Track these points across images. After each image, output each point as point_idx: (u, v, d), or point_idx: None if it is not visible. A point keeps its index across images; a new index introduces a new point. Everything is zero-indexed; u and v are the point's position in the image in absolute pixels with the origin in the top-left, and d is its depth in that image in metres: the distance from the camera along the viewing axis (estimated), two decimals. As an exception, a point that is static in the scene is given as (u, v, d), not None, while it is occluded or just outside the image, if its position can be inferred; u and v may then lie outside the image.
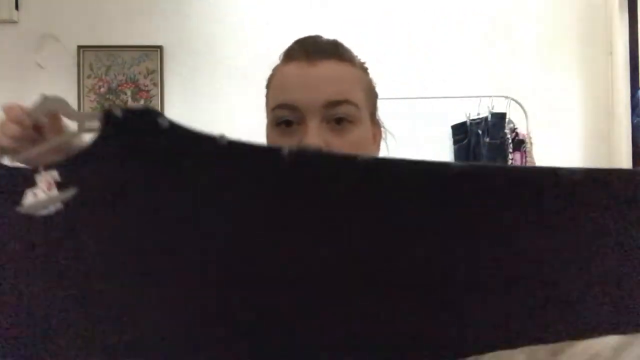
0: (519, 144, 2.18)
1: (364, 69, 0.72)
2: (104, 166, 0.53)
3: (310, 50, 0.67)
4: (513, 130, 2.21)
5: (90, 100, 2.49)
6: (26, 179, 0.59)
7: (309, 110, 0.64)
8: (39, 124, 0.63)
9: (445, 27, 2.49)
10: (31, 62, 2.51)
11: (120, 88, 2.50)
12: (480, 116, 2.31)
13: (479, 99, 2.32)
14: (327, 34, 0.72)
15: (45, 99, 0.63)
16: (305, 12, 2.49)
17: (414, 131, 2.31)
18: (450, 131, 2.46)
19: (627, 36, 2.24)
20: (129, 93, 2.50)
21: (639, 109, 2.20)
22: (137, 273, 0.50)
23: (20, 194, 0.59)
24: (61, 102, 0.63)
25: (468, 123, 2.37)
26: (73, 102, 2.48)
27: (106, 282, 0.52)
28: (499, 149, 2.17)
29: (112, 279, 0.52)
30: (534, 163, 2.16)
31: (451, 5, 2.51)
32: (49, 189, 0.59)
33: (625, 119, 2.23)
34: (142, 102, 2.49)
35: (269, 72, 0.73)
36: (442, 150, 2.46)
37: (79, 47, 2.49)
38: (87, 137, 0.55)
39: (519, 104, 2.29)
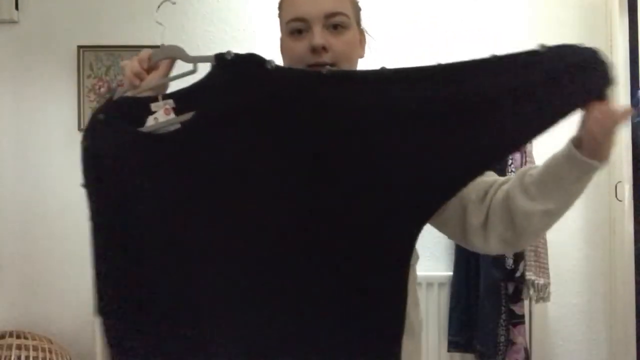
0: (519, 144, 2.18)
1: None
2: (215, 95, 0.69)
3: None
4: (513, 130, 2.21)
5: (90, 100, 2.48)
6: (145, 107, 0.76)
7: (314, 20, 0.88)
8: (153, 66, 0.87)
9: (445, 27, 2.49)
10: (31, 62, 2.50)
11: (120, 88, 2.49)
12: (480, 116, 2.31)
13: (479, 99, 2.31)
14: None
15: (163, 47, 0.84)
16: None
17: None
18: (450, 131, 2.45)
19: (627, 36, 2.23)
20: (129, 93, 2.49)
21: (639, 108, 2.20)
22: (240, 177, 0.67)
23: (141, 118, 0.76)
24: (177, 48, 0.82)
25: (468, 123, 2.35)
26: (73, 102, 2.48)
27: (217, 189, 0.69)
28: (499, 149, 2.17)
29: (223, 186, 0.68)
30: (534, 163, 2.16)
31: (452, 5, 2.50)
32: (167, 114, 0.75)
33: (625, 119, 2.22)
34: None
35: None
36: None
37: (79, 47, 2.48)
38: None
39: (519, 104, 2.29)
